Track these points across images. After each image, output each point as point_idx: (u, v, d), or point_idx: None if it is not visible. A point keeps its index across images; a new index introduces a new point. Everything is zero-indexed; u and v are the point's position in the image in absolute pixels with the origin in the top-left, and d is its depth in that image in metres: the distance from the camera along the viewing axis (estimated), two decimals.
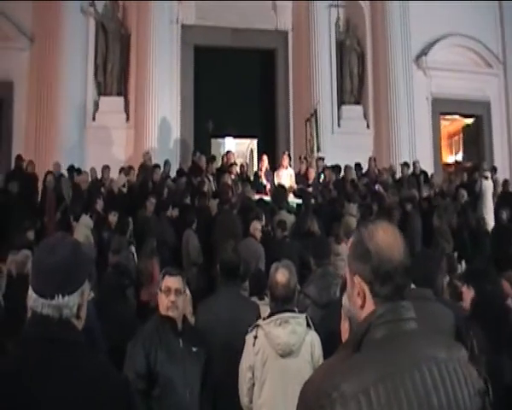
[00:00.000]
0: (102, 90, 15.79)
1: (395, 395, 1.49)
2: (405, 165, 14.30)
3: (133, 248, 8.71)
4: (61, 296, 1.87)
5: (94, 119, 15.57)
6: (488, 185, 12.95)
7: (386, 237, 1.67)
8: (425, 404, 1.50)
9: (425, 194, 12.50)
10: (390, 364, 1.54)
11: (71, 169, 12.83)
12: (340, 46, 17.11)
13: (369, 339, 1.61)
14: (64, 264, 1.88)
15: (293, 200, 11.59)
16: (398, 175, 14.35)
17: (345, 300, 2.78)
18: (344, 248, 9.18)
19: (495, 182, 13.70)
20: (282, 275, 3.84)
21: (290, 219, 10.12)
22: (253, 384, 3.75)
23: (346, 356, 2.63)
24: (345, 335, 2.74)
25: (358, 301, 1.68)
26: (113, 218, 9.50)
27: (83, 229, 9.47)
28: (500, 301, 5.01)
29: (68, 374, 1.82)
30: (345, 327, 2.75)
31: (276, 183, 12.54)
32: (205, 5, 16.29)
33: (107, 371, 1.95)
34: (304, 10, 16.66)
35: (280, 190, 11.22)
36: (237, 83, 16.44)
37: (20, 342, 1.93)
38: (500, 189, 13.90)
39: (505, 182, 14.14)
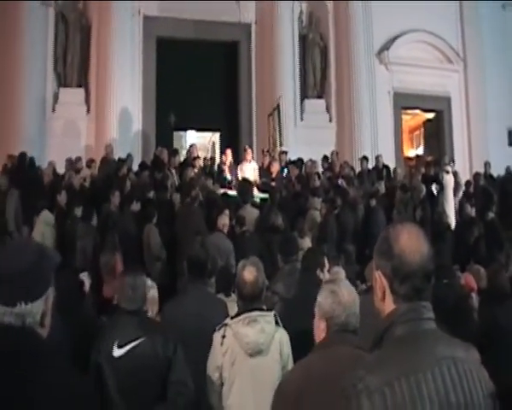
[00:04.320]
0: (62, 82, 15.50)
1: (418, 391, 1.57)
2: (364, 159, 14.34)
3: None
4: (23, 303, 1.77)
5: (54, 110, 15.29)
6: (449, 179, 13.08)
7: (410, 241, 1.75)
8: (444, 402, 1.58)
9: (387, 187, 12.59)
10: (412, 360, 1.61)
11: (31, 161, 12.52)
12: (303, 40, 17.11)
13: (390, 336, 1.70)
14: (27, 269, 1.79)
15: (257, 194, 11.55)
16: (358, 169, 14.40)
17: (321, 297, 2.75)
18: (307, 243, 9.21)
19: (454, 174, 13.80)
20: (249, 273, 3.72)
21: (254, 213, 10.08)
22: (221, 384, 3.68)
23: (320, 355, 2.62)
24: (320, 335, 2.71)
25: (379, 294, 1.79)
26: (77, 212, 9.35)
27: (41, 226, 9.27)
28: (455, 294, 5.05)
29: (32, 387, 1.72)
30: (320, 327, 2.71)
31: (239, 177, 12.49)
32: None
33: (75, 380, 1.86)
34: (267, 3, 16.63)
35: (245, 184, 11.16)
36: (200, 75, 16.30)
37: None
38: (463, 183, 13.94)
39: (467, 182, 14.07)
